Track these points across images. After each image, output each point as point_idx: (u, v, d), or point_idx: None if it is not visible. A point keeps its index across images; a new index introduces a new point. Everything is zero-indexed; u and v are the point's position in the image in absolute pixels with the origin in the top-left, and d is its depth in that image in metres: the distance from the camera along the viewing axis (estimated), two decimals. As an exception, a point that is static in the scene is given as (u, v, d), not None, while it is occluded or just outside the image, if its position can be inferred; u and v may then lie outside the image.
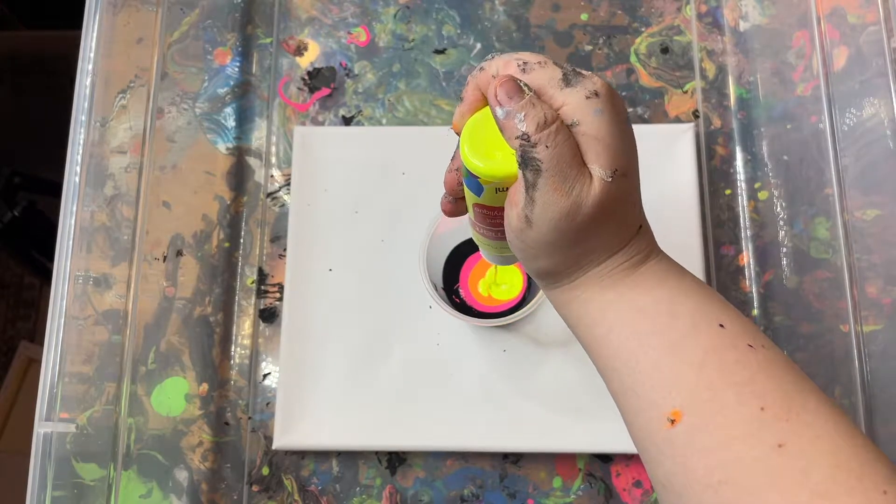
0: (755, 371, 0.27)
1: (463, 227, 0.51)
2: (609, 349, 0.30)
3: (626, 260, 0.30)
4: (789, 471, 0.25)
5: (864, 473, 0.25)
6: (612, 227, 0.29)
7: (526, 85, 0.28)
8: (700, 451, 0.26)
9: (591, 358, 0.32)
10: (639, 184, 0.30)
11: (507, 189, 0.30)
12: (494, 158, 0.29)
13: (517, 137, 0.27)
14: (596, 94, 0.27)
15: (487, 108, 0.30)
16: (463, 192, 0.33)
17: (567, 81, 0.28)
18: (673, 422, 0.27)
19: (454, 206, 0.35)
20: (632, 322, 0.29)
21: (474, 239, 0.37)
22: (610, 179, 0.27)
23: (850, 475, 0.25)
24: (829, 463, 0.25)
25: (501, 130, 0.28)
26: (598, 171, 0.27)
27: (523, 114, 0.27)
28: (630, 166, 0.29)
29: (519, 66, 0.28)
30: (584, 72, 0.28)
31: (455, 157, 0.33)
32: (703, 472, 0.26)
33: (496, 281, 0.51)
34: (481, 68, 0.30)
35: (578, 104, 0.27)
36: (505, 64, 0.29)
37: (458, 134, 0.31)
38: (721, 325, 0.28)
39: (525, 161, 0.28)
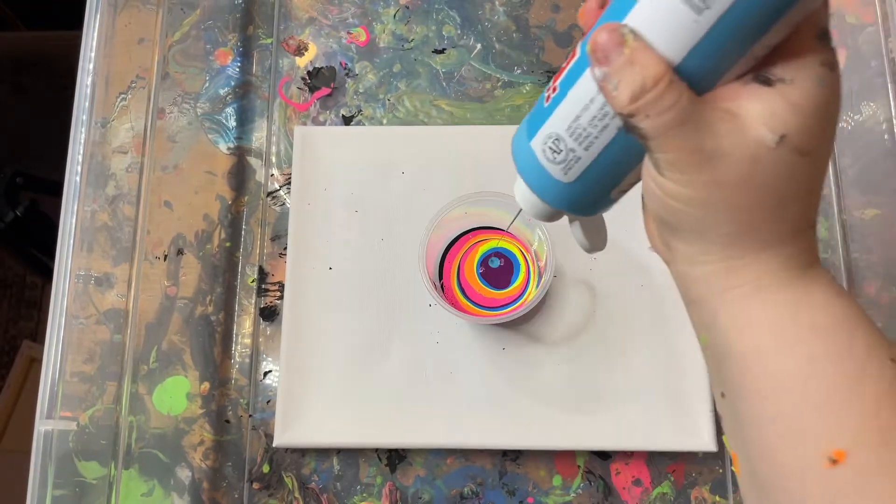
0: None
1: (459, 225, 0.51)
2: (765, 366, 0.25)
3: (796, 254, 0.25)
4: None
5: None
6: (775, 204, 0.24)
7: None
8: (865, 495, 0.23)
9: (715, 364, 0.27)
10: (822, 178, 0.25)
11: None
12: None
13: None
14: (831, 66, 0.23)
15: None
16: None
17: (823, 38, 0.23)
18: (835, 462, 0.24)
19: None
20: (806, 341, 0.25)
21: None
22: (773, 146, 0.23)
23: None
24: None
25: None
26: (765, 132, 0.23)
27: (617, 80, 0.23)
28: (819, 148, 0.24)
29: None
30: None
31: None
32: None
33: None
34: None
35: (811, 65, 0.23)
36: None
37: (583, 27, 0.26)
38: (893, 360, 0.25)
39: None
